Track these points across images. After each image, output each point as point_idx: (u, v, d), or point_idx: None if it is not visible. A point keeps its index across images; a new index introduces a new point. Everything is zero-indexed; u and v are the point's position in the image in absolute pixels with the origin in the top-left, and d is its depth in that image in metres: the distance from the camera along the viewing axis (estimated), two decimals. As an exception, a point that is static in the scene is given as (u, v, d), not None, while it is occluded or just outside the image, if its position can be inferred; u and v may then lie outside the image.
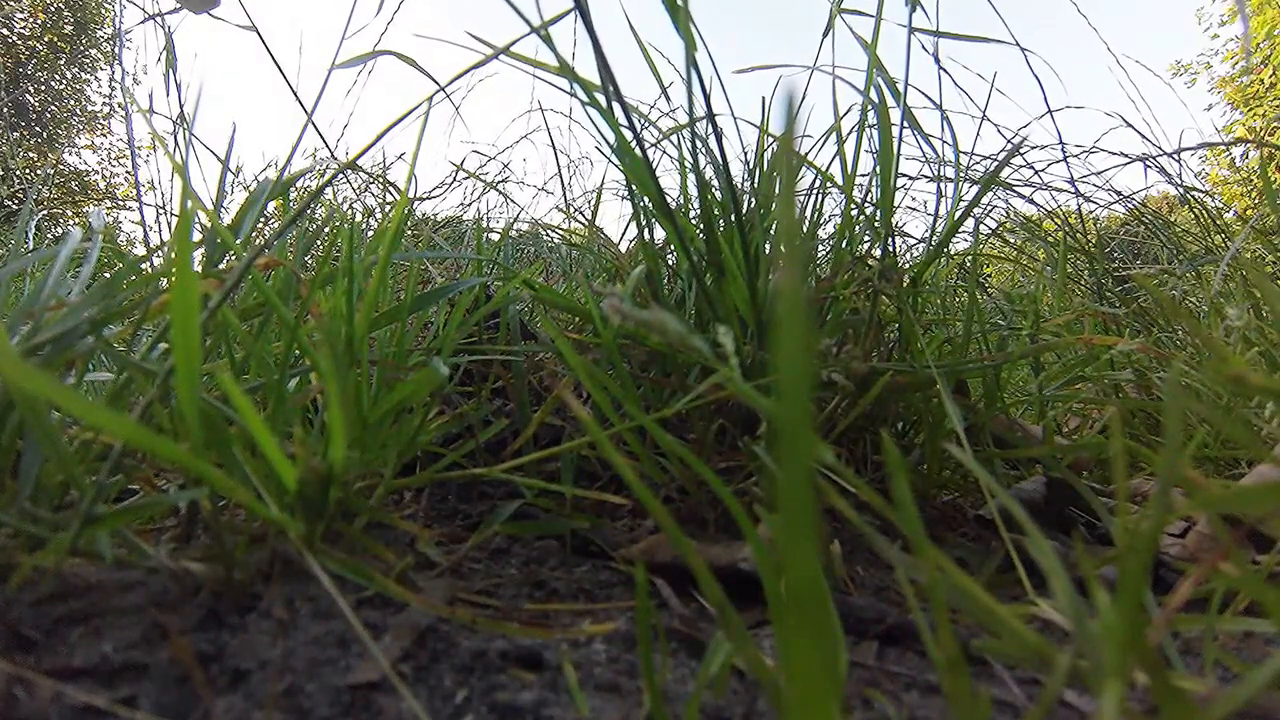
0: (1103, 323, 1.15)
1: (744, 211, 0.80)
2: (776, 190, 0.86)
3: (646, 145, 0.71)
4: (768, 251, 0.79)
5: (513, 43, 0.64)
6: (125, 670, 0.39)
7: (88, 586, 0.46)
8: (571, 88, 0.70)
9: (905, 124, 0.88)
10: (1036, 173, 1.28)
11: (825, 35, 0.89)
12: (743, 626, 0.33)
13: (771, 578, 0.32)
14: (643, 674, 0.44)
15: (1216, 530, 0.44)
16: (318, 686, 0.39)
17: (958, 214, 0.88)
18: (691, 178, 0.86)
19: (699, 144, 0.80)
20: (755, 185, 0.94)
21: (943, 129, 0.94)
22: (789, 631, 0.21)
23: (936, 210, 0.93)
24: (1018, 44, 1.04)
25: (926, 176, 1.21)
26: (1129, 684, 0.27)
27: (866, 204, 0.91)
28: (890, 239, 0.84)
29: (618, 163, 0.73)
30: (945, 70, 0.93)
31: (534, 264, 1.61)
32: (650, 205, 0.78)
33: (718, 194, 0.81)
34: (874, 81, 0.83)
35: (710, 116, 0.76)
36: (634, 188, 0.78)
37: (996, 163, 1.15)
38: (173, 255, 0.39)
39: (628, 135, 0.69)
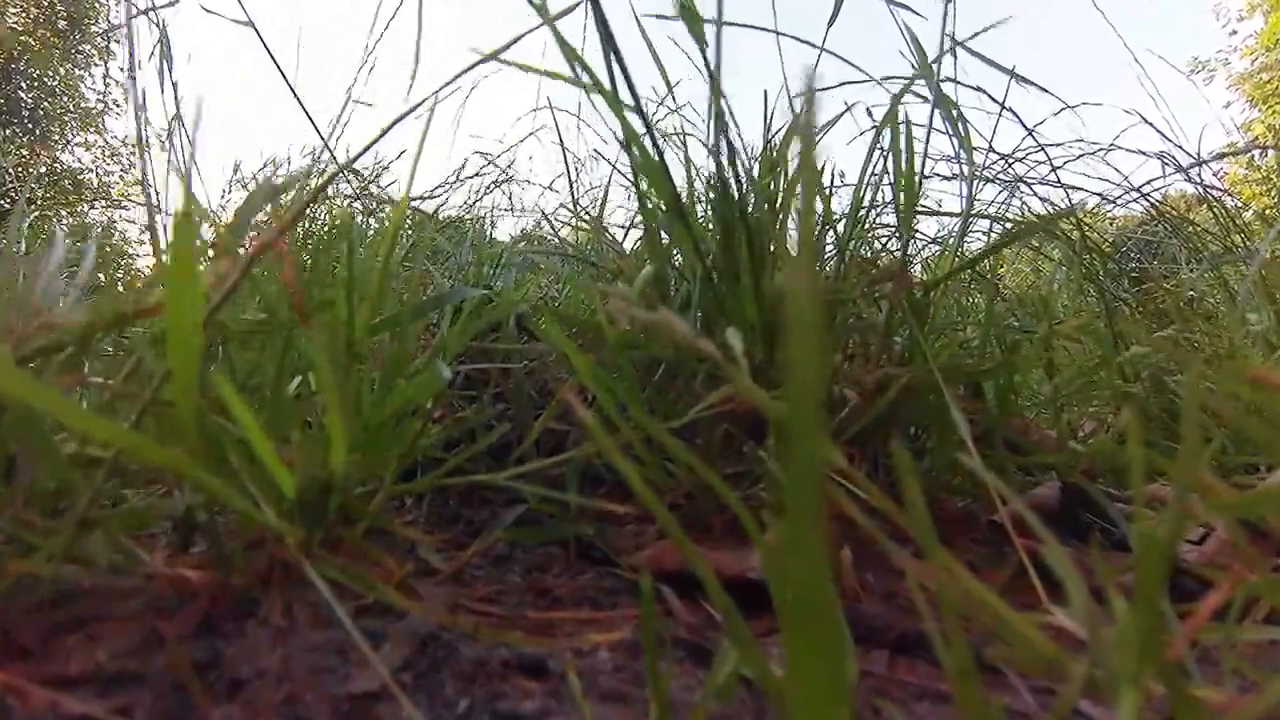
0: (1110, 327, 1.13)
1: (750, 211, 0.79)
2: (785, 186, 0.85)
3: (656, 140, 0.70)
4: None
5: (516, 39, 0.63)
6: (121, 679, 0.39)
7: (83, 593, 0.46)
8: (575, 71, 0.68)
9: (931, 125, 0.88)
10: (1054, 169, 1.26)
11: (830, 25, 0.88)
12: (750, 634, 0.32)
13: (779, 584, 0.31)
14: (649, 682, 0.43)
15: (1234, 536, 0.43)
16: (317, 696, 0.39)
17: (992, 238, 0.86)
18: (700, 180, 0.85)
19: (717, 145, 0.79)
20: (757, 181, 0.93)
21: (959, 128, 0.93)
22: (793, 639, 0.20)
23: (962, 231, 0.92)
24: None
25: (940, 175, 1.20)
26: (1146, 694, 0.26)
27: (876, 204, 0.90)
28: (907, 244, 0.83)
29: (628, 159, 0.72)
30: (959, 80, 0.92)
31: (538, 268, 1.60)
32: (663, 206, 0.77)
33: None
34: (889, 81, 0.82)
35: (719, 118, 0.75)
36: (643, 190, 0.77)
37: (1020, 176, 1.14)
38: (171, 254, 0.38)
39: (637, 125, 0.68)
